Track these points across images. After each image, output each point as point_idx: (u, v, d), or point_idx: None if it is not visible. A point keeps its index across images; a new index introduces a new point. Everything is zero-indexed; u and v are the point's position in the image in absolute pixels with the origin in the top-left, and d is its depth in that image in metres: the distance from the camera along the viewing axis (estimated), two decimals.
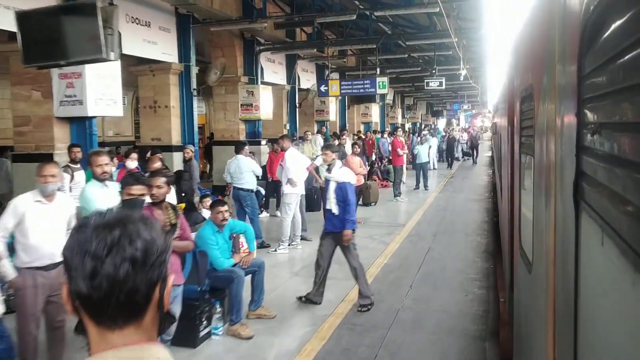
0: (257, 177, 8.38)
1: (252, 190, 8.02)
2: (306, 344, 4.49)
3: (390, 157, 14.86)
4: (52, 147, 7.80)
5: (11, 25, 5.81)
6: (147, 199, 3.75)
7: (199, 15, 10.64)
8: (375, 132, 20.35)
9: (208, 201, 6.92)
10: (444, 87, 16.34)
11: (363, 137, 17.54)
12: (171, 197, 5.24)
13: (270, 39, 13.41)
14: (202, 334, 4.51)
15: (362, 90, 13.64)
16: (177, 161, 10.26)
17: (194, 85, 10.89)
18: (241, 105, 13.17)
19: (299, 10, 12.23)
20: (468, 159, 26.02)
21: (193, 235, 4.75)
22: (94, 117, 7.95)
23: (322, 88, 14.05)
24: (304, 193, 8.26)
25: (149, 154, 8.03)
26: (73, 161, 6.96)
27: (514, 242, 3.02)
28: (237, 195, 8.00)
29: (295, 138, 11.21)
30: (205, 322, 4.53)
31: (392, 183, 13.68)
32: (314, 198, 10.42)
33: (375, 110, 23.19)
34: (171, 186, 4.60)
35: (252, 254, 5.00)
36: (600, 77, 0.91)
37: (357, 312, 5.19)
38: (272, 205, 10.70)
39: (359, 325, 4.91)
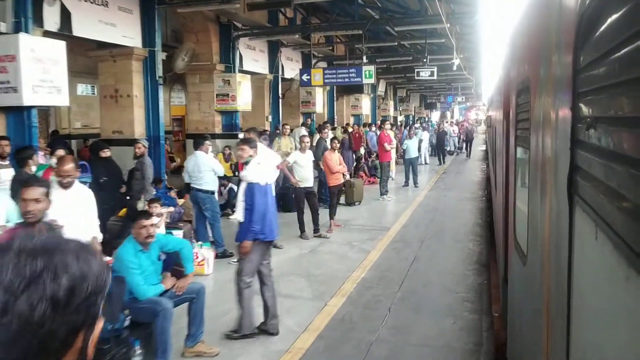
0: (226, 176, 7.37)
1: (212, 192, 6.94)
2: None
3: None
4: None
5: None
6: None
7: None
8: (365, 125, 19.35)
9: (156, 206, 5.91)
10: (435, 77, 15.45)
11: (351, 130, 16.49)
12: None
13: (248, 23, 12.38)
14: None
15: (347, 80, 12.60)
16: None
17: (159, 72, 9.83)
18: (216, 95, 12.22)
19: None
20: (460, 153, 25.56)
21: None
22: (33, 107, 6.93)
23: (305, 77, 12.97)
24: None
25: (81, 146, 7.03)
26: (0, 156, 6.01)
27: (509, 235, 2.98)
28: (195, 198, 6.95)
29: (264, 132, 10.09)
30: None
31: (379, 180, 12.70)
32: (291, 197, 9.45)
33: (365, 102, 22.21)
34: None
35: (188, 278, 4.03)
36: (595, 70, 0.93)
37: (321, 349, 4.24)
38: None
39: None
